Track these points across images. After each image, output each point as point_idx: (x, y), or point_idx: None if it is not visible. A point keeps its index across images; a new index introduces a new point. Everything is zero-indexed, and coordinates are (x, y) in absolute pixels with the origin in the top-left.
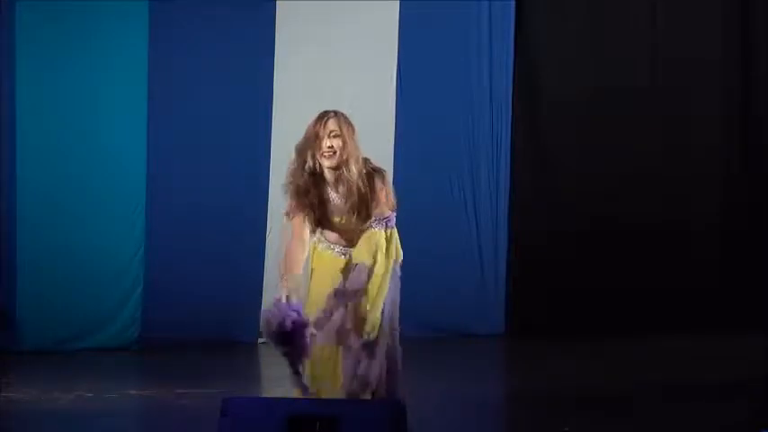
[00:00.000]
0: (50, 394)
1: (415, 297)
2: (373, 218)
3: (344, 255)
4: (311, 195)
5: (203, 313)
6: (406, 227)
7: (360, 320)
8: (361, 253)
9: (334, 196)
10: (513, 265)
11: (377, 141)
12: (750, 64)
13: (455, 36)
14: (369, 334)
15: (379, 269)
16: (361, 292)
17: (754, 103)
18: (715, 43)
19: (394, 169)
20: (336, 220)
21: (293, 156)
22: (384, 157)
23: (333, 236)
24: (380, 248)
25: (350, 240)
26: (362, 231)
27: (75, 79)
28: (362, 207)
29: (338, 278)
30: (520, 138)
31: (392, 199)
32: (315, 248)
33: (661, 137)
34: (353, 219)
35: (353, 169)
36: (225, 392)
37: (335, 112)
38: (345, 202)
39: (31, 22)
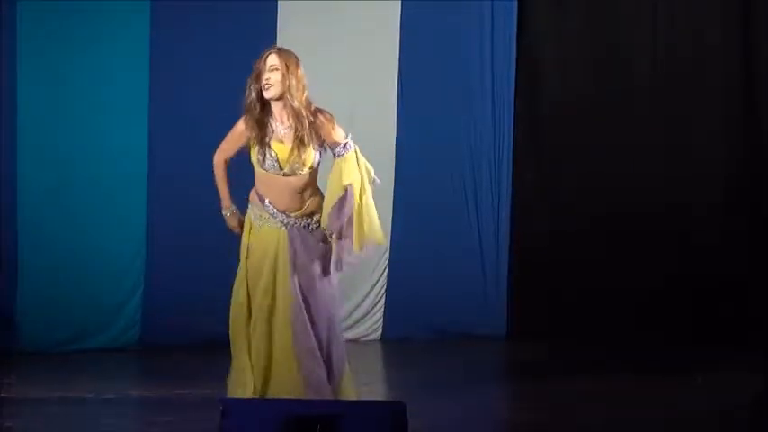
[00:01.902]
0: (51, 395)
1: (416, 298)
2: (336, 148)
3: (285, 225)
4: (259, 119)
5: (204, 315)
6: (409, 228)
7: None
8: (348, 175)
9: (278, 125)
10: (514, 267)
11: (379, 142)
12: (751, 63)
13: (457, 36)
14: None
15: (358, 184)
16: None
17: (757, 103)
18: (716, 42)
19: (396, 170)
20: (277, 146)
21: (247, 92)
22: (386, 159)
23: (276, 201)
24: (356, 167)
25: (292, 204)
26: (310, 173)
27: (76, 79)
28: (311, 135)
29: (274, 252)
30: (521, 138)
31: (340, 130)
32: (251, 225)
33: (663, 136)
34: (300, 146)
35: (296, 98)
36: (225, 393)
37: (279, 49)
38: (291, 130)
39: (33, 20)
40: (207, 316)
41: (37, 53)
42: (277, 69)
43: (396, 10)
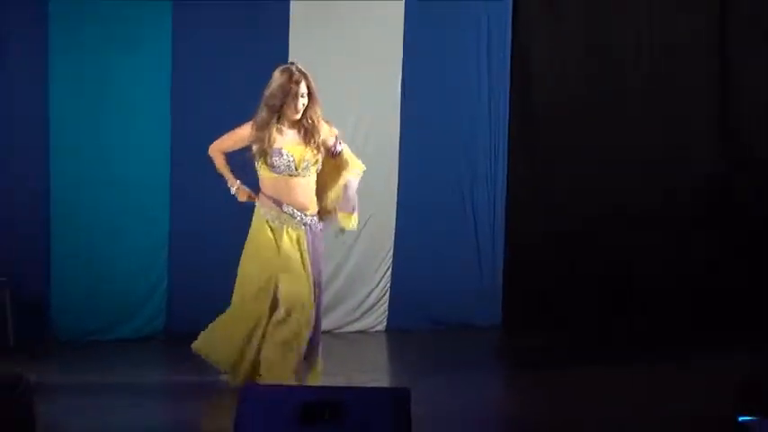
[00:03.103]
0: (83, 380)
1: (418, 292)
2: (334, 145)
3: (304, 225)
4: (265, 130)
5: (223, 307)
6: (411, 226)
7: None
8: (358, 163)
9: (289, 131)
10: (509, 261)
11: (383, 143)
12: (729, 72)
13: (456, 37)
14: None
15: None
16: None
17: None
18: (700, 44)
19: (399, 170)
20: (293, 149)
21: (264, 109)
22: (390, 159)
23: (293, 202)
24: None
25: (305, 203)
26: (315, 174)
27: (104, 76)
28: (314, 140)
29: (300, 250)
30: (516, 137)
31: (334, 130)
32: (270, 227)
33: (653, 136)
34: (316, 151)
35: (316, 116)
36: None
37: (300, 70)
38: (301, 135)
39: (63, 19)
40: (224, 308)
41: (68, 50)
42: (305, 95)
43: (399, 10)
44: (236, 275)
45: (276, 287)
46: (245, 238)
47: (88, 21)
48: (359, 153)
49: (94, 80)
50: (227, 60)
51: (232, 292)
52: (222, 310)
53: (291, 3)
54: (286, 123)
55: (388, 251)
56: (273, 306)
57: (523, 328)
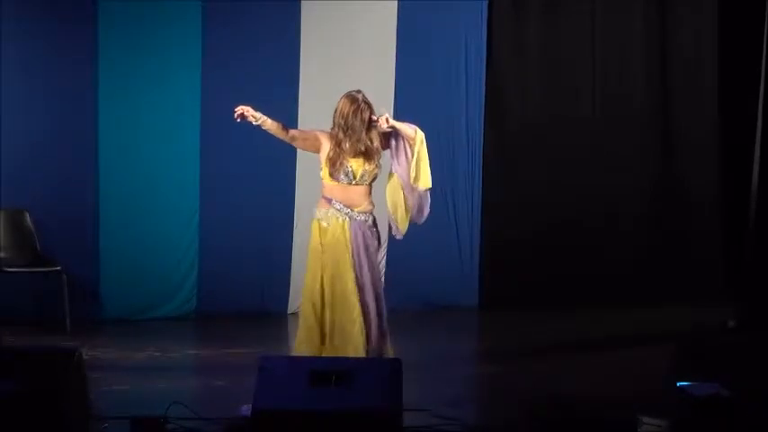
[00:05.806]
0: (127, 353)
1: (409, 277)
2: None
3: (348, 217)
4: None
5: (246, 291)
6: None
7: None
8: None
9: (354, 144)
10: (485, 253)
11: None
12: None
13: (439, 54)
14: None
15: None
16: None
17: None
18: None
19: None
20: (354, 162)
21: (339, 133)
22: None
23: (343, 200)
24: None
25: (355, 202)
26: (371, 182)
27: (144, 74)
28: (374, 158)
29: (342, 242)
30: (490, 144)
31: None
32: (320, 228)
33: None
34: (376, 166)
35: (374, 140)
36: (262, 351)
37: (365, 101)
38: (363, 148)
39: (112, 17)
40: (250, 291)
41: (115, 48)
42: (366, 121)
43: (392, 10)
44: (256, 264)
45: (322, 283)
46: (265, 234)
47: (133, 19)
48: None
49: (136, 83)
50: (249, 59)
51: (253, 279)
52: (245, 295)
53: (302, 3)
54: (350, 143)
55: (384, 244)
56: (322, 300)
57: (495, 307)
